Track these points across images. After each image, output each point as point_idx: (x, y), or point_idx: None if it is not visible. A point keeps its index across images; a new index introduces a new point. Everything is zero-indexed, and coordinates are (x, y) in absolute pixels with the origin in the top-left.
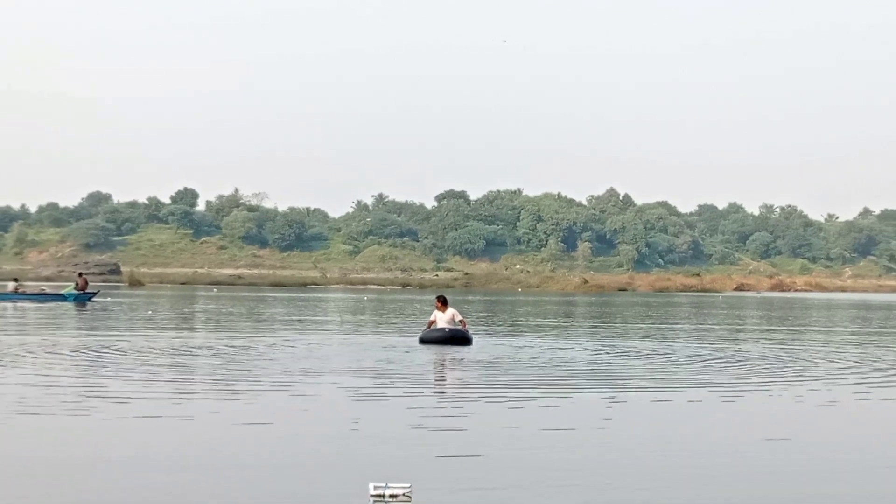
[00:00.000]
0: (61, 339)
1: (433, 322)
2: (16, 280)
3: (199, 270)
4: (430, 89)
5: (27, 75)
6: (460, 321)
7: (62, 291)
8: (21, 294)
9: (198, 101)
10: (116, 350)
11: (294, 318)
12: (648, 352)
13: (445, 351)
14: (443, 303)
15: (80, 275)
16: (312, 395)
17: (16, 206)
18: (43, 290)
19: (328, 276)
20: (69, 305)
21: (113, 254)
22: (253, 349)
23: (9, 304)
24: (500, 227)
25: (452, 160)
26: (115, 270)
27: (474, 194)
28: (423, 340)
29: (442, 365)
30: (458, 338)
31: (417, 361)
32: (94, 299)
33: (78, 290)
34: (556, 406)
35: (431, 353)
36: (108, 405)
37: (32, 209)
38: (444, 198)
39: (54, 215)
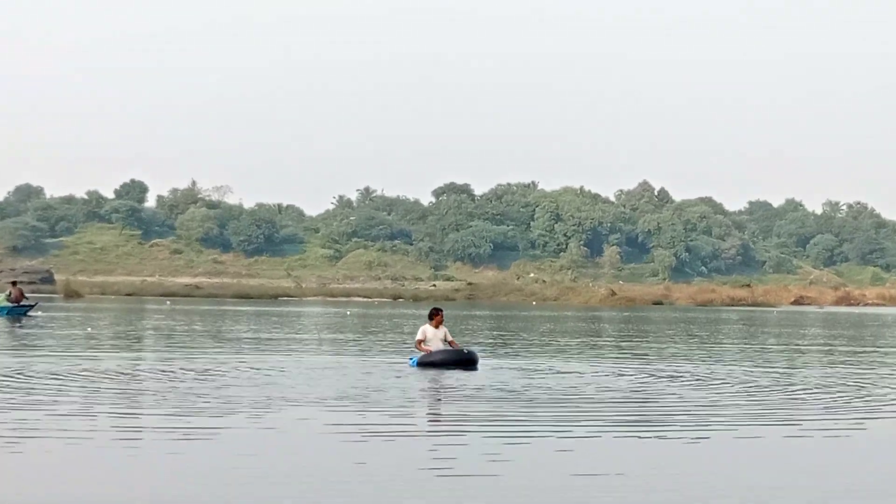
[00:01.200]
0: None
1: (422, 341)
2: None
3: (149, 279)
4: (425, 64)
5: None
6: (450, 342)
7: None
8: None
9: (146, 77)
10: (48, 375)
11: (263, 336)
12: (692, 376)
13: (447, 376)
14: (432, 318)
15: (14, 283)
16: (288, 431)
17: None
18: None
19: (304, 286)
20: (1, 321)
21: (45, 259)
22: (213, 374)
23: None
24: (511, 227)
25: (453, 148)
26: (48, 279)
27: (479, 188)
28: (423, 364)
29: (446, 393)
30: (465, 360)
31: (414, 388)
32: (30, 313)
33: (11, 303)
34: (597, 442)
35: (427, 379)
36: (37, 442)
37: None
38: (444, 192)
39: None
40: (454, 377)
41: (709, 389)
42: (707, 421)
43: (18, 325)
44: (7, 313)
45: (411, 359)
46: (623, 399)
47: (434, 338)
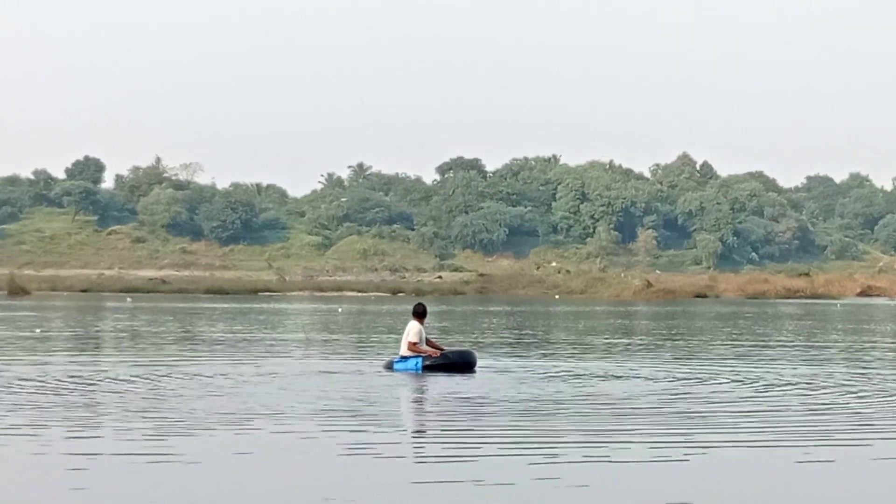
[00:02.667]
0: None
1: (417, 342)
2: None
3: (107, 272)
4: (427, 22)
5: None
6: (430, 341)
7: None
8: None
9: (100, 37)
10: None
11: (239, 337)
12: (807, 380)
13: (452, 382)
14: (423, 315)
15: None
16: (272, 453)
17: None
18: None
19: (287, 279)
20: None
21: None
22: (181, 381)
23: None
24: (529, 209)
25: (461, 117)
26: None
27: (492, 164)
28: (430, 367)
29: (457, 403)
30: (471, 362)
31: (419, 397)
32: None
33: None
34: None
35: (430, 384)
36: None
37: None
38: (450, 169)
39: None
40: (463, 382)
41: (833, 395)
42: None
43: None
44: None
45: (398, 362)
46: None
47: (423, 338)
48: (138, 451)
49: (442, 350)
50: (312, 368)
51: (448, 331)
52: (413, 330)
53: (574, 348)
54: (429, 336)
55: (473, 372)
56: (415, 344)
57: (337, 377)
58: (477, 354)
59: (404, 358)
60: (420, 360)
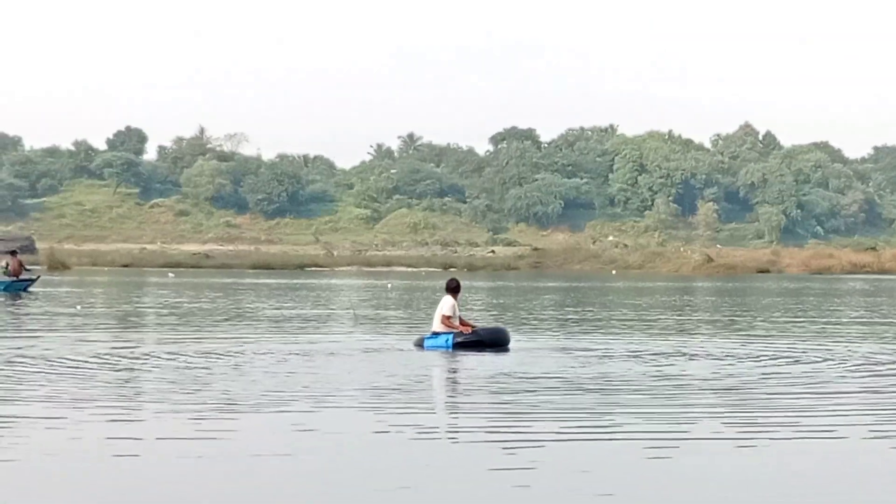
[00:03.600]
0: None
1: (451, 317)
2: None
3: (149, 247)
4: None
5: None
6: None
7: None
8: None
9: (143, 8)
10: (29, 359)
11: (285, 314)
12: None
13: (495, 360)
14: (457, 290)
15: (13, 253)
16: (329, 431)
17: None
18: None
19: (335, 253)
20: (5, 298)
21: (25, 223)
22: (226, 358)
23: None
24: (585, 181)
25: (514, 86)
26: (29, 247)
27: (547, 134)
28: (462, 344)
29: (516, 382)
30: (499, 340)
31: (470, 375)
32: (31, 288)
33: (9, 277)
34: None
35: (476, 362)
36: (20, 438)
37: None
38: (504, 139)
39: None
40: (500, 360)
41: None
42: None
43: (15, 303)
44: (5, 289)
45: (429, 339)
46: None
47: (457, 314)
48: (182, 435)
49: (474, 328)
50: (361, 346)
51: (504, 307)
52: (447, 304)
53: (646, 325)
54: (461, 313)
55: (506, 350)
56: (448, 318)
57: (385, 355)
58: (510, 332)
59: (436, 334)
60: (451, 336)
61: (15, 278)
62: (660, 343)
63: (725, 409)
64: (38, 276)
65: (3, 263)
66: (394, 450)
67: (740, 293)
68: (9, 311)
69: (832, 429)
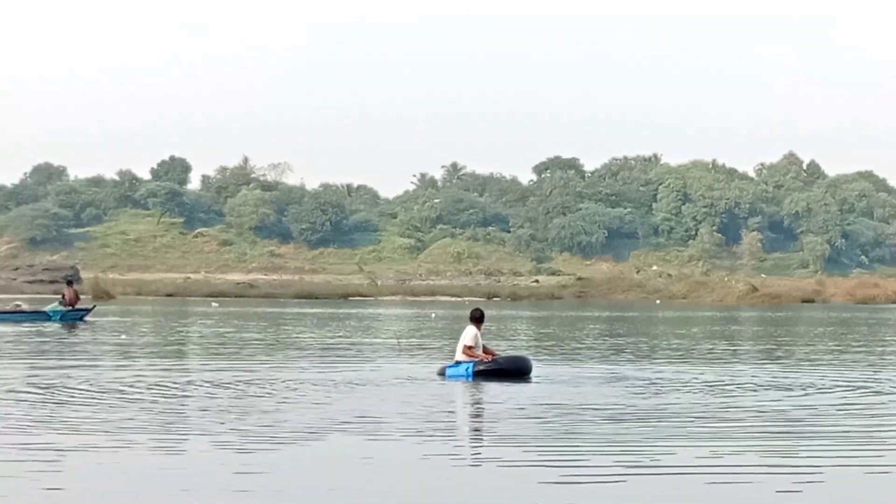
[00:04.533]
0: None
1: (472, 347)
2: None
3: (193, 276)
4: (523, 16)
5: None
6: (484, 346)
7: (45, 308)
8: None
9: (185, 35)
10: (75, 388)
11: (329, 343)
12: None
13: (517, 389)
14: (481, 320)
15: (70, 283)
16: (373, 465)
17: None
18: (18, 306)
19: (379, 283)
20: (55, 327)
21: (69, 252)
22: (267, 388)
23: None
24: (629, 210)
25: (558, 115)
26: (73, 277)
27: (590, 164)
28: (482, 373)
29: (564, 413)
30: (526, 368)
31: (508, 405)
32: (87, 318)
33: (65, 307)
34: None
35: (523, 392)
36: (65, 476)
37: None
38: (548, 169)
39: None
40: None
41: None
42: None
43: (67, 332)
44: (60, 318)
45: (450, 367)
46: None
47: (480, 344)
48: (225, 462)
49: (495, 356)
50: (403, 374)
51: (550, 336)
52: (469, 334)
53: (697, 355)
54: (486, 343)
55: (527, 380)
56: (470, 348)
57: (427, 384)
58: (532, 361)
59: (458, 363)
60: (471, 365)
61: (71, 308)
62: (713, 371)
63: (778, 439)
64: (94, 306)
65: (61, 295)
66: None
67: (787, 322)
68: (59, 340)
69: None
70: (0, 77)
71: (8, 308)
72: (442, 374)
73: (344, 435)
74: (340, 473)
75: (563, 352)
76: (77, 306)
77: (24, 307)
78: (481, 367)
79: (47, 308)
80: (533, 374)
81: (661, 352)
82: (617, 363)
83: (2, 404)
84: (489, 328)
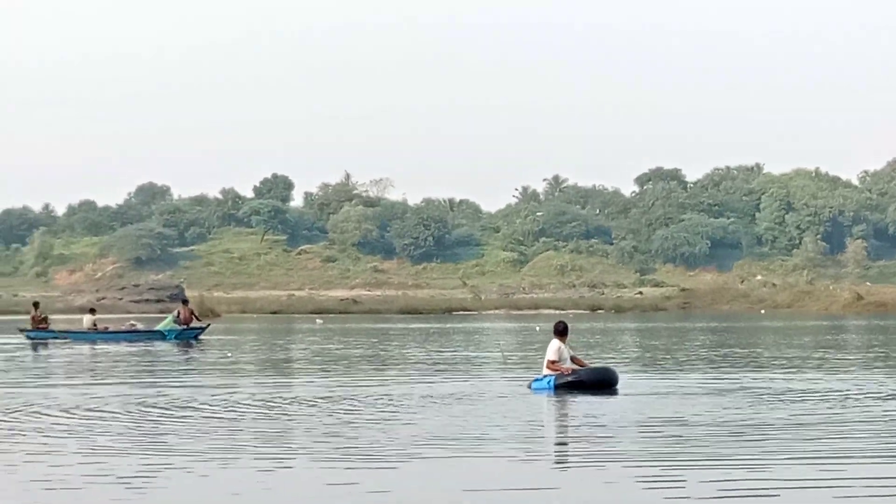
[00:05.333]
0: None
1: (556, 361)
2: (92, 312)
3: (297, 293)
4: (622, 29)
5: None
6: (574, 358)
7: (158, 327)
8: (103, 332)
9: (284, 53)
10: (180, 406)
11: (433, 357)
12: None
13: (627, 404)
14: (565, 333)
15: (185, 303)
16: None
17: (36, 207)
18: (133, 325)
19: (482, 297)
20: (167, 346)
21: (174, 272)
22: (374, 403)
23: (86, 347)
24: (732, 220)
25: (659, 126)
26: (178, 295)
27: (693, 174)
28: (562, 386)
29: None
30: (611, 380)
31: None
32: (201, 336)
33: (180, 325)
34: None
35: (624, 406)
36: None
37: (60, 211)
38: (650, 180)
39: (90, 219)
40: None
41: None
42: None
43: (178, 350)
44: (175, 337)
45: (537, 380)
46: None
47: (566, 357)
48: (327, 480)
49: (582, 366)
50: (507, 389)
51: (657, 348)
52: (552, 348)
53: (813, 364)
54: (575, 354)
55: (612, 391)
56: (553, 362)
57: (530, 398)
58: (618, 372)
59: (542, 377)
60: (553, 379)
61: (185, 327)
62: (835, 381)
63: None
64: (208, 325)
65: (175, 313)
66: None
67: (891, 331)
68: (167, 359)
69: None
70: (102, 99)
71: (123, 328)
72: (529, 387)
73: (439, 451)
74: (444, 494)
75: (671, 363)
76: (192, 325)
77: (139, 326)
78: (561, 381)
79: (160, 326)
80: (620, 385)
81: (777, 361)
82: (731, 373)
83: (112, 421)
84: (595, 341)
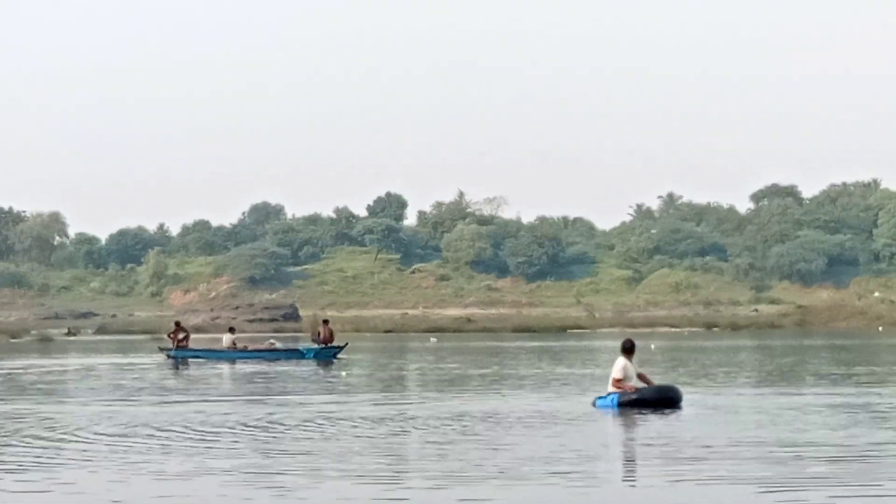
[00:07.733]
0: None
1: (621, 379)
2: (231, 331)
3: (411, 312)
4: (739, 39)
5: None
6: (641, 375)
7: (299, 346)
8: (242, 351)
9: (397, 77)
10: (295, 423)
11: (548, 375)
12: None
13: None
14: (631, 351)
15: (325, 322)
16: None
17: (151, 227)
18: (273, 343)
19: (597, 315)
20: (309, 365)
21: (288, 291)
22: (480, 422)
23: (226, 367)
24: (849, 236)
25: (774, 143)
26: (292, 315)
27: (808, 190)
28: (625, 404)
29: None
30: (663, 399)
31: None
32: (340, 355)
33: (319, 344)
34: None
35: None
36: None
37: (174, 231)
38: (765, 196)
39: (204, 238)
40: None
41: None
42: None
43: (329, 369)
44: (314, 356)
45: (601, 398)
46: None
47: (632, 375)
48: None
49: (648, 385)
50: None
51: (778, 366)
52: (618, 366)
53: None
54: (641, 371)
55: (676, 408)
56: (619, 381)
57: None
58: (682, 391)
59: (607, 395)
60: (617, 396)
61: (325, 346)
62: None
63: None
64: (346, 344)
65: (316, 332)
66: None
67: None
68: (291, 376)
69: None
70: (217, 121)
71: (263, 346)
72: (594, 404)
73: (527, 471)
74: None
75: (792, 380)
76: (330, 344)
77: (278, 346)
78: (624, 399)
79: (300, 346)
80: (685, 402)
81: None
82: (861, 391)
83: (237, 437)
84: (714, 360)
